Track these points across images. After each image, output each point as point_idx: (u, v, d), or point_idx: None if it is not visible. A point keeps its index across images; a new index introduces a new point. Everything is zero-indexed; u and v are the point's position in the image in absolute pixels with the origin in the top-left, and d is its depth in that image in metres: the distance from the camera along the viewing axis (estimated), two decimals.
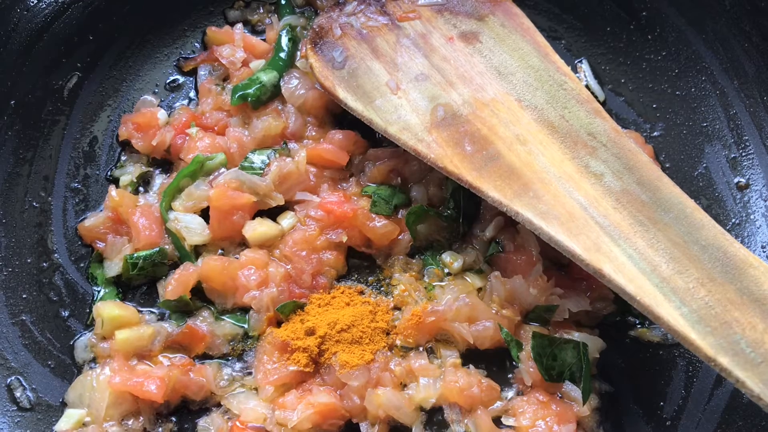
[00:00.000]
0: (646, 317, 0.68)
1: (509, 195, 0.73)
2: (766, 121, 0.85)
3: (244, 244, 0.83)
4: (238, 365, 0.78)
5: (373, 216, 0.82)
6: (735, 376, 0.61)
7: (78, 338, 0.79)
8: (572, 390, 0.74)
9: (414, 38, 0.87)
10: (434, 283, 0.81)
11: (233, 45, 0.92)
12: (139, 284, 0.82)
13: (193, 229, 0.82)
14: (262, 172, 0.84)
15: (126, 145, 0.89)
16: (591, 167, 0.75)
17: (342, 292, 0.80)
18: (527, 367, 0.75)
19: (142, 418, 0.74)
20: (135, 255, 0.80)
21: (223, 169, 0.85)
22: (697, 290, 0.66)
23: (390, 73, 0.84)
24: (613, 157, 0.75)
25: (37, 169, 0.86)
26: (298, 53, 0.92)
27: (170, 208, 0.83)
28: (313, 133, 0.88)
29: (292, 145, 0.87)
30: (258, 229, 0.81)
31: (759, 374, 0.60)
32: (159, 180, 0.87)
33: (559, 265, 0.81)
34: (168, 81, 0.93)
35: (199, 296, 0.81)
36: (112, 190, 0.83)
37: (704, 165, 0.86)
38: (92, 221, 0.83)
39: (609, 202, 0.72)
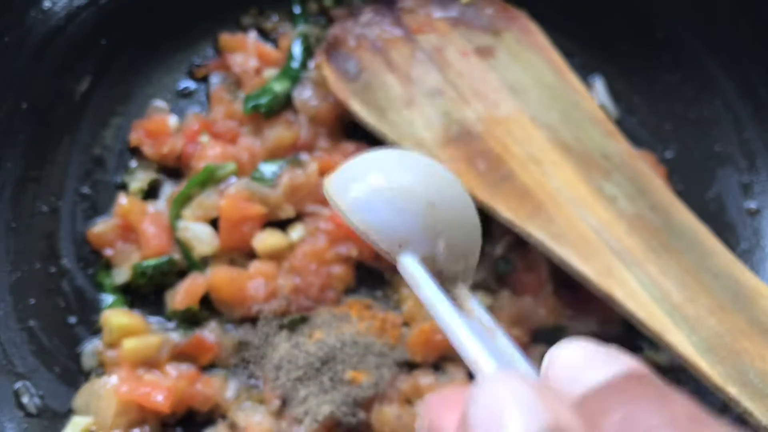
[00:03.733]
0: (653, 341, 0.68)
1: (522, 216, 0.73)
2: None
3: (252, 254, 0.83)
4: (245, 377, 0.78)
5: None
6: (743, 406, 0.61)
7: (85, 345, 0.79)
8: None
9: (429, 52, 0.87)
10: None
11: (246, 53, 0.91)
12: (146, 292, 0.82)
13: (202, 238, 0.81)
14: (272, 182, 0.83)
15: (136, 152, 0.89)
16: (604, 190, 0.75)
17: (350, 307, 0.80)
18: None
19: (148, 428, 0.74)
20: (144, 264, 0.80)
21: (233, 179, 0.84)
22: (707, 318, 0.66)
23: (404, 87, 0.84)
24: (627, 181, 0.75)
25: (48, 173, 0.85)
26: (312, 63, 0.92)
27: (179, 217, 0.83)
28: (325, 145, 0.88)
29: (303, 156, 0.87)
30: (267, 240, 0.81)
31: (767, 405, 0.61)
32: (168, 188, 0.87)
33: (568, 286, 0.81)
34: (180, 87, 0.93)
35: (206, 305, 0.81)
36: (122, 197, 0.83)
37: (716, 189, 0.87)
38: (101, 228, 0.83)
39: (622, 226, 0.72)
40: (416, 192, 0.44)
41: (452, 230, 0.45)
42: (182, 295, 0.79)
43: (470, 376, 0.76)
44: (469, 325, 0.40)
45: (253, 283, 0.79)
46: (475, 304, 0.47)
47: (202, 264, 0.81)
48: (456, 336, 0.39)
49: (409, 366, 0.77)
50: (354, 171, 0.46)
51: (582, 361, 0.32)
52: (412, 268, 0.43)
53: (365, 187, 0.44)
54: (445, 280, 0.46)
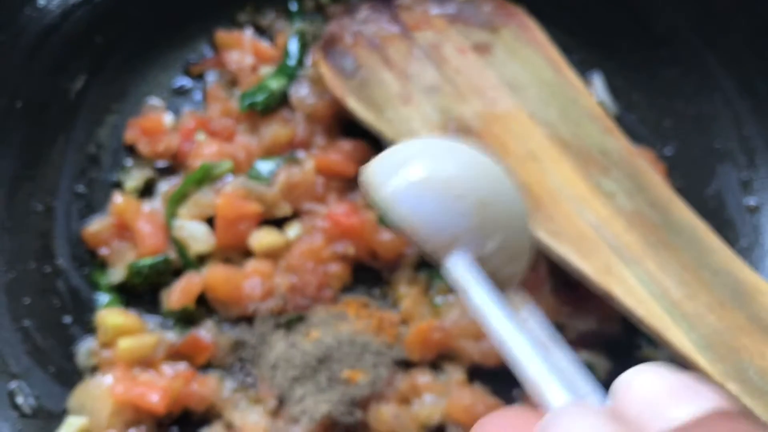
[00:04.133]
0: (652, 338, 0.68)
1: None
2: None
3: (249, 253, 0.82)
4: (241, 376, 0.77)
5: (381, 228, 0.81)
6: (743, 404, 0.61)
7: (80, 345, 0.78)
8: None
9: (426, 48, 0.87)
10: (441, 298, 0.81)
11: (242, 50, 0.91)
12: (142, 291, 0.81)
13: (198, 237, 0.81)
14: (269, 180, 0.83)
15: (131, 150, 0.88)
16: (603, 186, 0.74)
17: (347, 305, 0.80)
18: None
19: (143, 428, 0.74)
20: (139, 263, 0.79)
21: (229, 177, 0.84)
22: (706, 315, 0.66)
23: (401, 84, 0.84)
24: (626, 177, 0.75)
25: (43, 173, 0.85)
26: (308, 60, 0.91)
27: (175, 215, 0.82)
28: (322, 142, 0.87)
29: (300, 153, 0.86)
30: (264, 239, 0.81)
31: (767, 403, 0.60)
32: (164, 186, 0.86)
33: (567, 283, 0.80)
34: (175, 85, 0.92)
35: (202, 304, 0.80)
36: (117, 196, 0.82)
37: (715, 186, 0.86)
38: (96, 227, 0.82)
39: (621, 223, 0.71)
40: (469, 184, 0.39)
41: (506, 227, 0.39)
42: (178, 294, 0.78)
43: (470, 377, 0.76)
44: (531, 341, 0.35)
45: (250, 281, 0.79)
46: (532, 311, 0.43)
47: (198, 263, 0.81)
48: (517, 355, 0.34)
49: (407, 365, 0.77)
50: (397, 159, 0.40)
51: (665, 395, 0.28)
52: (463, 270, 0.37)
53: (411, 178, 0.38)
54: (497, 285, 0.40)
